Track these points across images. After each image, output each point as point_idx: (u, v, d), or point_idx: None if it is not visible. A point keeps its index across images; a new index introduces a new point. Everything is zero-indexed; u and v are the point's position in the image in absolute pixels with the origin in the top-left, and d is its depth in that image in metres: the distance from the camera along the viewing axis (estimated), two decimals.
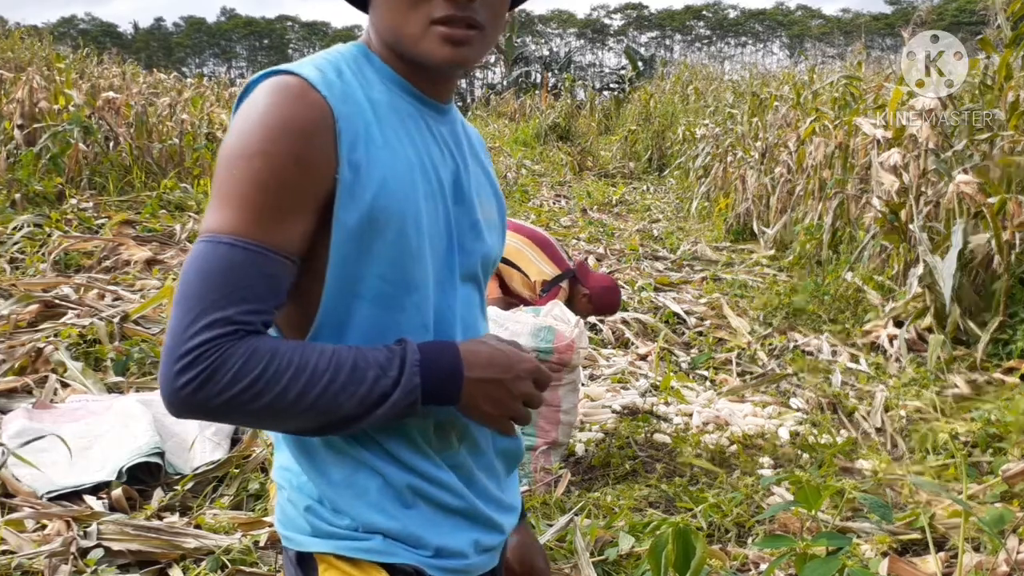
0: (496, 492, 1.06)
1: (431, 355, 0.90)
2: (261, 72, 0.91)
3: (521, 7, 1.04)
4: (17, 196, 6.73)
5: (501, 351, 0.94)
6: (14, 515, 2.47)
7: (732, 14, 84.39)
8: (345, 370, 0.85)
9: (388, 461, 0.94)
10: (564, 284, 3.83)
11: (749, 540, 2.63)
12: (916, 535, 2.55)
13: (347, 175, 0.87)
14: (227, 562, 2.26)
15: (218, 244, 0.83)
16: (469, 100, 25.89)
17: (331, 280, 0.89)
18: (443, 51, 0.91)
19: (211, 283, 0.82)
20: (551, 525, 2.55)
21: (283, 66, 0.90)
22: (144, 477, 2.86)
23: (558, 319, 3.23)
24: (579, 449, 3.33)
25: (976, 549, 2.47)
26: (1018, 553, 2.27)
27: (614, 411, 3.76)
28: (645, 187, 13.27)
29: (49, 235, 5.92)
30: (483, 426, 0.96)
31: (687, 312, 5.58)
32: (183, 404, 0.82)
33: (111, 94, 9.09)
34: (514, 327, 3.10)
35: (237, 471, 2.88)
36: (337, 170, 0.86)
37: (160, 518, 2.59)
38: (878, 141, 5.56)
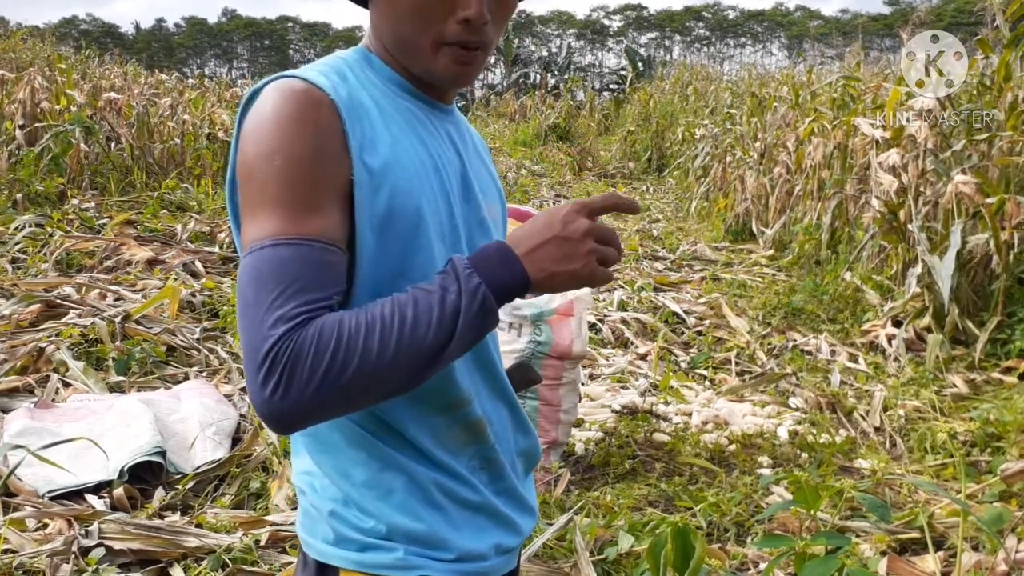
0: (518, 493, 1.06)
1: (478, 254, 0.86)
2: (265, 79, 0.90)
3: (520, 7, 1.04)
4: (19, 196, 6.75)
5: (536, 219, 0.89)
6: (16, 514, 2.48)
7: (731, 15, 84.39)
8: (410, 306, 0.82)
9: (415, 458, 0.94)
10: None
11: (748, 539, 2.64)
12: (915, 534, 2.56)
13: (360, 176, 0.86)
14: (228, 561, 2.27)
15: (262, 250, 0.81)
16: (470, 101, 25.92)
17: (359, 275, 0.88)
18: (451, 70, 0.92)
19: (265, 287, 0.80)
20: (551, 524, 2.56)
21: (287, 72, 0.89)
22: (145, 476, 2.87)
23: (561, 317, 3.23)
24: (579, 448, 3.34)
25: (975, 548, 2.47)
26: (1017, 552, 2.28)
27: (614, 410, 3.76)
28: (644, 187, 13.30)
29: (51, 235, 5.93)
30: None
31: (686, 312, 5.59)
32: (283, 413, 0.78)
33: (112, 94, 9.10)
34: (513, 321, 3.11)
35: (238, 470, 2.89)
36: (351, 171, 0.86)
37: (161, 517, 2.59)
38: (877, 141, 5.56)
